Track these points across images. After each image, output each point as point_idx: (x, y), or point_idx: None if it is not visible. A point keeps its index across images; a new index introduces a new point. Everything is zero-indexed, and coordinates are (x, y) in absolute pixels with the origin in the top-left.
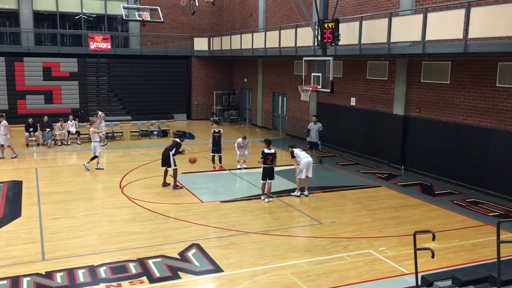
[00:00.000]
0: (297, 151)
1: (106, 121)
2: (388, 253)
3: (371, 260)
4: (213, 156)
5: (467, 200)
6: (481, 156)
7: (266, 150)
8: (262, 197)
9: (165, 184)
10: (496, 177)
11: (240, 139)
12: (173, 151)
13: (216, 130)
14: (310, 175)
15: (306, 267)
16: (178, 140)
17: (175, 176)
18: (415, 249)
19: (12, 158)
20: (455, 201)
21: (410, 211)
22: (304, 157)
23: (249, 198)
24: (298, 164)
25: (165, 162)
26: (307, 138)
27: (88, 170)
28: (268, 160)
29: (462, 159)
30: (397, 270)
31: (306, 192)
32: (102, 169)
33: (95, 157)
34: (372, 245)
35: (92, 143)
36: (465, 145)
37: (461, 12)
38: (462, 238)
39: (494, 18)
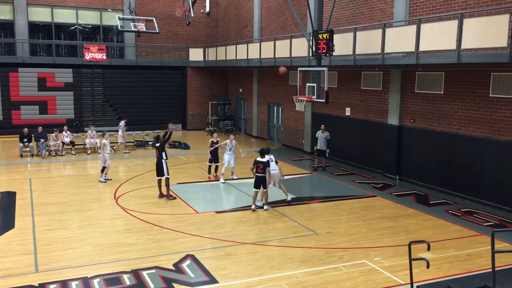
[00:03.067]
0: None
1: (97, 131)
2: (384, 263)
3: (367, 271)
4: (210, 166)
5: (462, 210)
6: (476, 166)
7: (258, 159)
8: (253, 206)
9: (161, 195)
10: (491, 186)
11: (227, 141)
12: (164, 156)
13: (215, 140)
14: (276, 186)
15: (302, 278)
16: (157, 144)
17: (167, 185)
18: (410, 259)
19: None
20: (450, 211)
21: (405, 221)
22: (272, 169)
23: (244, 208)
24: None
25: (159, 171)
26: (315, 147)
27: (105, 181)
28: (259, 169)
29: (456, 169)
30: (393, 280)
31: (260, 203)
32: (111, 179)
33: (104, 167)
34: (367, 256)
35: (102, 153)
36: (459, 155)
37: (454, 23)
38: (457, 248)
39: (487, 29)
